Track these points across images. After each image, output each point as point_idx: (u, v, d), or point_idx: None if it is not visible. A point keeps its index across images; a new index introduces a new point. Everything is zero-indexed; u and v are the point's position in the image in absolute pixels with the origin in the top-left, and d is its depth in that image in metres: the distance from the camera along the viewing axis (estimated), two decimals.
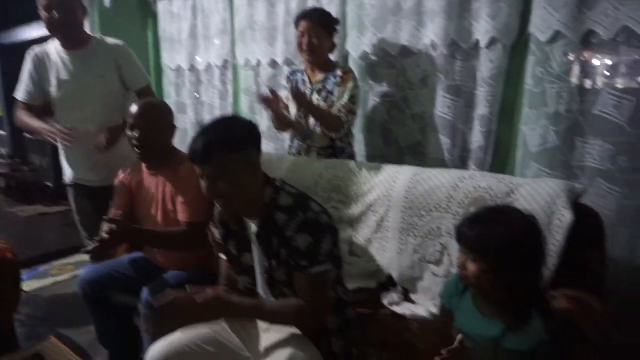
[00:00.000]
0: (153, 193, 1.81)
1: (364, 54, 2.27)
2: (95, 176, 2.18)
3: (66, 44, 2.09)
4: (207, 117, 3.19)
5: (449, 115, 2.03)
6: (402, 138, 2.23)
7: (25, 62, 2.13)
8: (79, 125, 2.07)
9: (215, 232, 1.42)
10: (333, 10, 2.24)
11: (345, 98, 1.98)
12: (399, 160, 2.23)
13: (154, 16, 3.48)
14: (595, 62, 1.70)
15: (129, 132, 1.72)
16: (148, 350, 1.35)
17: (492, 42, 1.86)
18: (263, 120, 2.71)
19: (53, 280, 3.04)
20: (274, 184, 1.29)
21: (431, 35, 2.02)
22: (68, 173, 2.26)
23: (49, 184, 5.79)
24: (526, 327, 1.05)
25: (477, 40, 1.90)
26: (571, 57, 1.70)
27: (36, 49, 2.13)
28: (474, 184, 1.55)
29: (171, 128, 1.81)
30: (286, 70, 2.60)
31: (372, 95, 2.32)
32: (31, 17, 5.95)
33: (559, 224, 1.38)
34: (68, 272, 3.16)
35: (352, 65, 2.30)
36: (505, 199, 1.46)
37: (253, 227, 1.29)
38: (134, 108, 1.72)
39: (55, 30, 2.03)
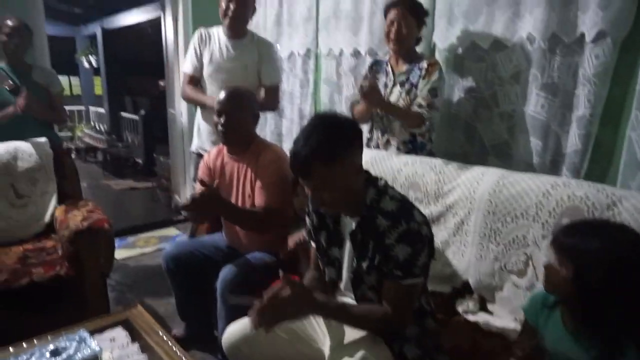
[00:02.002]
0: (234, 177, 1.89)
1: (452, 45, 2.17)
2: (212, 148, 2.32)
3: (228, 32, 2.34)
4: (287, 106, 3.25)
5: (542, 115, 1.88)
6: (487, 136, 2.12)
7: (192, 39, 2.39)
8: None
9: (307, 221, 1.44)
10: None
11: (425, 91, 1.92)
12: (481, 159, 2.12)
13: None
14: None
15: (215, 118, 1.80)
16: (224, 329, 1.42)
17: (599, 36, 1.68)
18: (341, 111, 2.70)
19: (140, 251, 3.29)
20: (377, 184, 1.27)
21: (528, 27, 1.87)
22: (196, 142, 2.50)
23: (139, 160, 6.26)
24: (620, 357, 0.96)
25: (582, 34, 1.74)
26: None
27: (201, 29, 2.40)
28: (569, 192, 1.43)
29: (255, 116, 1.86)
30: (369, 60, 2.56)
31: (458, 89, 2.21)
32: (128, 5, 6.45)
33: None
34: (153, 245, 3.40)
35: (439, 57, 2.21)
36: (604, 212, 1.33)
37: (349, 224, 1.28)
38: (222, 94, 1.79)
39: (226, 17, 2.28)
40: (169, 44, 3.80)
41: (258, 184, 1.80)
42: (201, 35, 2.39)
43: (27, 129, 2.40)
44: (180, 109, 3.74)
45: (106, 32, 7.97)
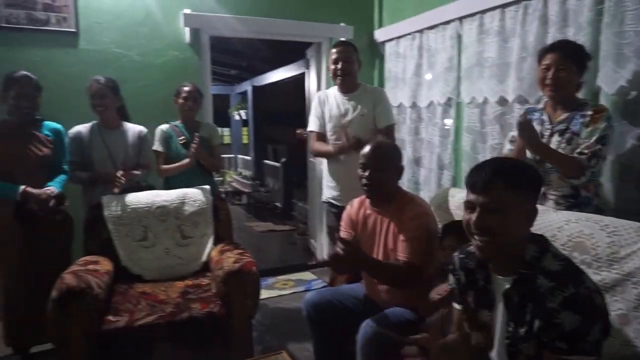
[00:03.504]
0: (376, 229, 1.88)
1: (622, 89, 1.93)
2: (341, 196, 2.53)
3: (341, 88, 2.59)
4: (425, 154, 3.20)
5: None
6: None
7: (313, 101, 2.73)
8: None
9: (451, 279, 1.36)
10: (582, 40, 1.99)
11: (593, 139, 1.71)
12: None
13: (380, 57, 3.72)
14: None
15: (359, 171, 1.84)
16: None
17: None
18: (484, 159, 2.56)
19: (278, 292, 3.44)
20: (538, 240, 1.17)
21: None
22: (325, 192, 2.70)
23: (278, 204, 6.70)
24: None
25: None
26: None
27: (320, 93, 2.75)
28: None
29: (399, 169, 1.86)
30: (517, 108, 2.41)
31: (630, 137, 1.94)
32: (273, 65, 7.17)
33: None
34: (290, 287, 3.54)
35: (604, 102, 1.98)
36: None
37: (501, 284, 1.18)
38: (366, 149, 1.83)
39: (337, 77, 2.54)
40: (312, 97, 4.07)
41: (401, 237, 1.77)
42: (319, 97, 2.67)
43: (193, 177, 2.74)
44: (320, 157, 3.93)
45: (255, 89, 8.93)
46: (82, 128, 2.58)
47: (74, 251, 2.49)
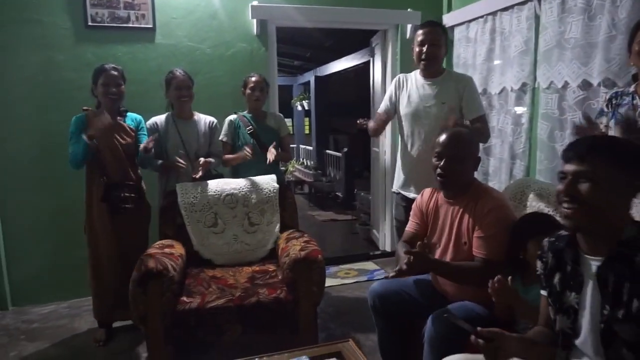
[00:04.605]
0: (447, 221, 1.82)
1: None
2: (414, 189, 2.42)
3: (424, 73, 2.44)
4: (496, 143, 3.05)
5: None
6: None
7: (391, 84, 2.61)
8: (417, 142, 2.42)
9: (538, 265, 1.29)
10: None
11: None
12: None
13: (449, 43, 3.57)
14: None
15: (434, 160, 1.78)
16: None
17: None
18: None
19: (340, 281, 3.45)
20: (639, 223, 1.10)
21: None
22: (396, 183, 2.60)
23: (339, 193, 6.72)
24: None
25: None
26: None
27: (400, 75, 2.58)
28: None
29: (475, 160, 1.78)
30: (603, 92, 2.22)
31: None
32: (336, 55, 7.15)
33: None
34: (352, 277, 3.54)
35: None
36: None
37: (591, 265, 1.11)
38: (442, 137, 1.77)
39: (420, 61, 2.40)
40: (377, 85, 4.02)
41: (477, 233, 1.69)
42: (399, 79, 2.53)
43: (260, 166, 2.80)
44: (384, 147, 3.88)
45: (317, 79, 8.98)
46: (158, 119, 2.72)
47: (150, 235, 2.65)
